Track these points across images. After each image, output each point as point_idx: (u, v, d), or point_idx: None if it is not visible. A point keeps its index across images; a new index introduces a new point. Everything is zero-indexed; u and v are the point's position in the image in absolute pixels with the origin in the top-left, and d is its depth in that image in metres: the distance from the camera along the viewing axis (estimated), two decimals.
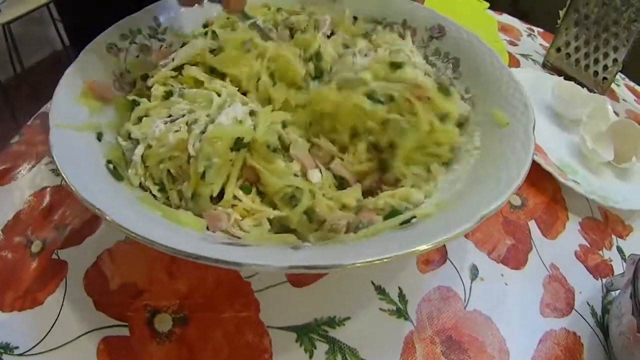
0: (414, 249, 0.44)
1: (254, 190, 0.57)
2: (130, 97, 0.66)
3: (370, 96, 0.62)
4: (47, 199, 0.70)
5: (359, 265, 0.42)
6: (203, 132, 0.56)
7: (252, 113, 0.60)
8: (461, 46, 0.75)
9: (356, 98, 0.61)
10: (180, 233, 0.50)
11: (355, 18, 0.82)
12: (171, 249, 0.42)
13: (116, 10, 0.73)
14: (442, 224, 0.49)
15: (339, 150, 0.63)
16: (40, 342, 0.54)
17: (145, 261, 0.60)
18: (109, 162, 0.56)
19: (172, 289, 0.59)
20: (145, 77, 0.69)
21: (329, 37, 0.77)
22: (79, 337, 0.55)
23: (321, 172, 0.59)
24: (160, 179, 0.58)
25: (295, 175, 0.57)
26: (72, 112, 0.59)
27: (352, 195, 0.58)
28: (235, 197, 0.56)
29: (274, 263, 0.42)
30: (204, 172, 0.54)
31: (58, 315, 0.57)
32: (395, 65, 0.65)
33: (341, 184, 0.61)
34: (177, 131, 0.57)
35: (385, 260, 0.42)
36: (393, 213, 0.54)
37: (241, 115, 0.56)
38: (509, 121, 0.62)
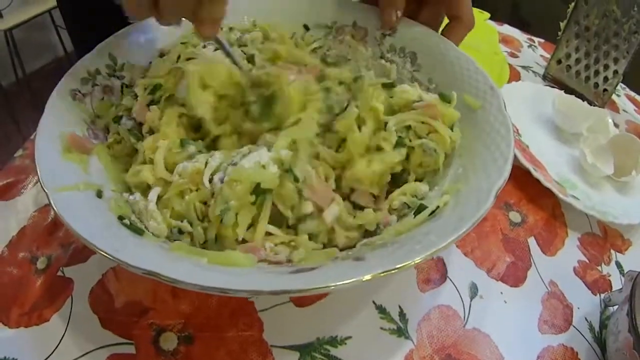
0: (459, 233, 0.47)
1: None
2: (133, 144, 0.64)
3: (397, 143, 0.62)
4: (51, 215, 0.70)
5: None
6: (221, 171, 0.56)
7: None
8: (414, 39, 0.76)
9: (389, 162, 0.61)
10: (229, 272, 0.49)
11: (306, 27, 0.82)
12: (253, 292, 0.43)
13: (120, 15, 0.73)
14: (461, 207, 0.52)
15: None
16: (46, 359, 0.55)
17: (150, 280, 0.60)
18: (120, 218, 0.54)
19: (177, 308, 0.59)
20: (118, 120, 0.66)
21: None
22: (85, 354, 0.55)
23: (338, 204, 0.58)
24: (181, 218, 0.55)
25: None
26: (63, 171, 0.56)
27: (370, 216, 0.59)
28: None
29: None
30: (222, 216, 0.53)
31: (64, 332, 0.57)
32: (388, 85, 0.68)
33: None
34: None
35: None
36: (421, 208, 0.56)
37: (265, 160, 0.55)
38: (480, 104, 0.64)
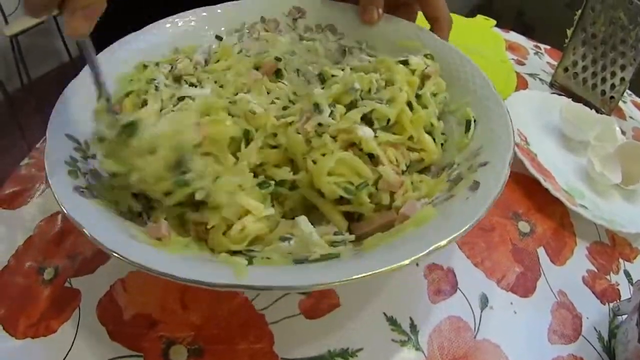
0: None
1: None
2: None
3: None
4: (58, 225, 0.70)
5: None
6: None
7: None
8: (327, 13, 0.79)
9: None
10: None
11: (218, 37, 0.80)
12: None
13: (125, 24, 0.73)
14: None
15: None
16: None
17: (159, 291, 0.61)
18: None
19: (187, 320, 0.59)
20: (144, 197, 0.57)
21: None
22: None
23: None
24: None
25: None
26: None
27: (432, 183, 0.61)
28: None
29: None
30: None
31: (72, 344, 0.57)
32: (404, 62, 0.70)
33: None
34: None
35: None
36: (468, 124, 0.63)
37: None
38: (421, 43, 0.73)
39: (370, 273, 0.43)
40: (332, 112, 0.59)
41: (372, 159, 0.59)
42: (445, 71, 0.70)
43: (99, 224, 0.48)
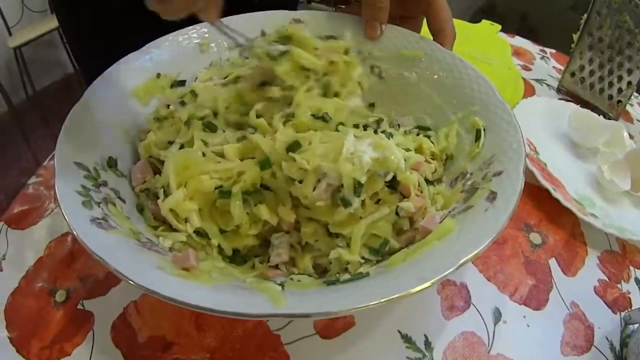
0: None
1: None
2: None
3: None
4: (68, 246, 0.70)
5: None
6: None
7: None
8: (327, 25, 0.80)
9: None
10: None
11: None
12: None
13: (121, 33, 0.73)
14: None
15: None
16: None
17: (172, 313, 0.61)
18: None
19: (201, 342, 0.59)
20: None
21: None
22: None
23: None
24: None
25: None
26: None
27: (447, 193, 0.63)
28: None
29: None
30: None
31: None
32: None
33: None
34: None
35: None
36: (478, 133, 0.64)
37: None
38: (423, 52, 0.74)
39: (405, 293, 0.44)
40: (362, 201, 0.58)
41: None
42: (450, 79, 0.71)
43: (126, 259, 0.49)
